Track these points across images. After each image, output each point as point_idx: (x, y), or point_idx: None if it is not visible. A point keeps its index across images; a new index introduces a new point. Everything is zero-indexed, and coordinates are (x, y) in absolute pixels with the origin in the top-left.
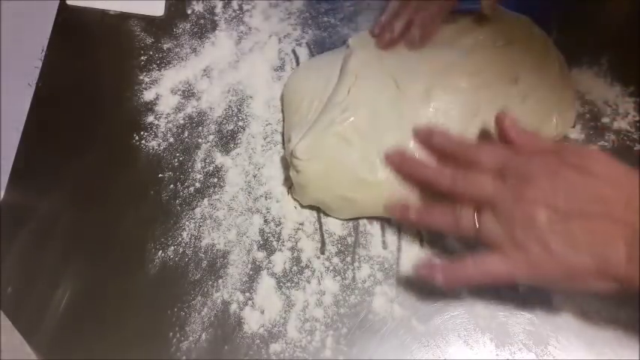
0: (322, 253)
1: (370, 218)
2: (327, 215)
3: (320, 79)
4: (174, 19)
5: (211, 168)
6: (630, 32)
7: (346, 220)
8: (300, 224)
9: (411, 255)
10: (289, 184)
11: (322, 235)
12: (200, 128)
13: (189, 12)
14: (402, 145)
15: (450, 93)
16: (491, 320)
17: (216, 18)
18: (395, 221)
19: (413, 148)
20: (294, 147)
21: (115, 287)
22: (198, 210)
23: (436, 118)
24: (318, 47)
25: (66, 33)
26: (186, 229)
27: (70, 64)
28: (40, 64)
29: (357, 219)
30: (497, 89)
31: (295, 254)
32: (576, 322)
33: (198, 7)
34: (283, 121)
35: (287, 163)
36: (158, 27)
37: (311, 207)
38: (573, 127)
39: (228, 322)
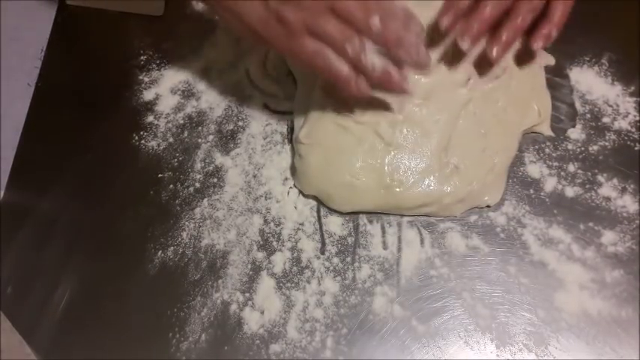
0: (322, 253)
1: (370, 218)
2: (327, 215)
3: None
4: (174, 19)
5: (211, 168)
6: (630, 32)
7: (346, 213)
8: (300, 224)
9: (411, 255)
10: (293, 172)
11: (322, 236)
12: (200, 128)
13: (189, 12)
14: (394, 122)
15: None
16: (492, 320)
17: (215, 18)
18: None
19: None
20: (297, 133)
21: (114, 287)
22: (197, 210)
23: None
24: None
25: (66, 33)
26: (186, 229)
27: (69, 64)
28: (39, 64)
29: (356, 214)
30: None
31: (295, 254)
32: (576, 322)
33: (198, 7)
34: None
35: (288, 162)
36: (158, 27)
37: (311, 207)
38: (574, 126)
39: (228, 322)
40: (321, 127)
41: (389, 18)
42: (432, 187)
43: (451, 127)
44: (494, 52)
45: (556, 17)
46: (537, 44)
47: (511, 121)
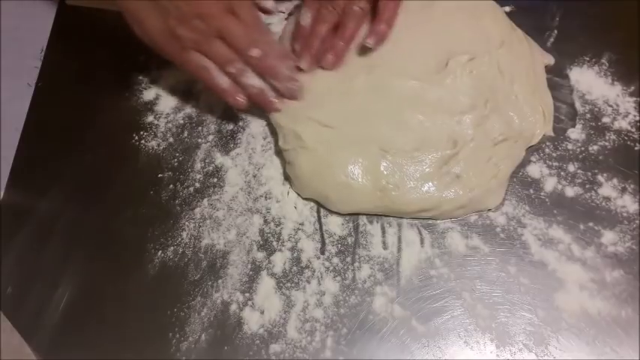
0: (322, 253)
1: (370, 218)
2: (327, 215)
3: None
4: None
5: (211, 168)
6: (630, 32)
7: (346, 215)
8: (300, 224)
9: (411, 255)
10: (287, 177)
11: (322, 235)
12: (200, 128)
13: None
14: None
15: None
16: (492, 320)
17: None
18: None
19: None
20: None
21: (114, 287)
22: (197, 210)
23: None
24: None
25: (65, 33)
26: (186, 229)
27: (69, 64)
28: (39, 64)
29: (356, 215)
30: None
31: (295, 254)
32: (576, 322)
33: None
34: None
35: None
36: None
37: (311, 207)
38: (574, 126)
39: (228, 322)
40: (301, 129)
41: (268, 51)
42: (430, 194)
43: (452, 145)
44: (329, 59)
45: (385, 15)
46: (370, 42)
47: (519, 130)
